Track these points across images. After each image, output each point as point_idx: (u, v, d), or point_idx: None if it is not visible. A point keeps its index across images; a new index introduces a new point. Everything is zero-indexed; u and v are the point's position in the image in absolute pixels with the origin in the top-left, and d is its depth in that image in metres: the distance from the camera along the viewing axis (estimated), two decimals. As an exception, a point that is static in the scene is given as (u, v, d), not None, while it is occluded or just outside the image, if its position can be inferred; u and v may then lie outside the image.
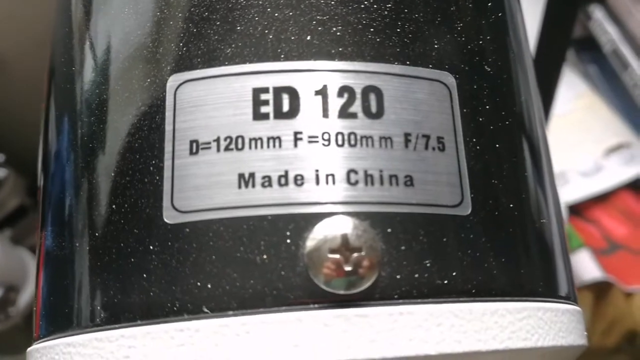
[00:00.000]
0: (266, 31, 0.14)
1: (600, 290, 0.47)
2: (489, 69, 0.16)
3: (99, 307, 0.14)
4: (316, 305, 0.13)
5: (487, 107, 0.15)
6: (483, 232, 0.14)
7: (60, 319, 0.14)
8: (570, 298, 0.16)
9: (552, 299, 0.15)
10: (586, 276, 0.48)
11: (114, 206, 0.14)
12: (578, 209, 0.52)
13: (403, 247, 0.13)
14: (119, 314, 0.13)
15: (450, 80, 0.15)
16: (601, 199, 0.53)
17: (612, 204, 0.53)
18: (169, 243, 0.13)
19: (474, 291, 0.14)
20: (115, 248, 0.14)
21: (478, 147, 0.14)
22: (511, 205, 0.15)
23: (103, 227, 0.14)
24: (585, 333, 0.16)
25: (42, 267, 0.16)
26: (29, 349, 0.16)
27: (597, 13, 0.58)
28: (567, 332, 0.15)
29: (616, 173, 0.54)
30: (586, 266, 0.49)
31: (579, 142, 0.56)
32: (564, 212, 0.48)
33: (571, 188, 0.53)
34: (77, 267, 0.14)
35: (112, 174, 0.14)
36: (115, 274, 0.14)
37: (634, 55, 0.55)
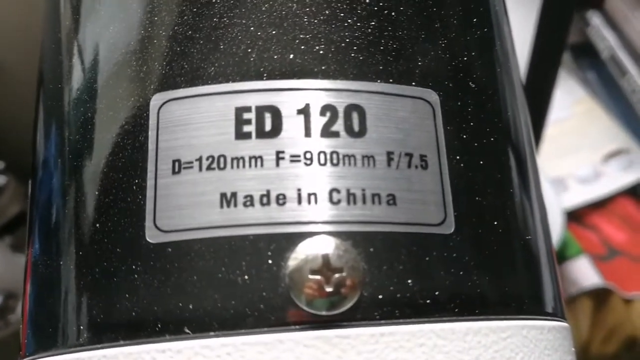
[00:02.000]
0: (249, 50, 0.14)
1: (599, 297, 0.47)
2: (474, 85, 0.15)
3: (82, 327, 0.14)
4: (297, 327, 0.13)
5: (472, 123, 0.15)
6: (466, 250, 0.14)
7: (45, 337, 0.14)
8: (557, 314, 0.16)
9: (537, 316, 0.15)
10: (585, 283, 0.48)
11: (97, 225, 0.14)
12: (577, 215, 0.52)
13: (385, 267, 0.13)
14: (102, 333, 0.13)
15: (434, 97, 0.15)
16: (600, 205, 0.53)
17: (611, 210, 0.53)
18: (152, 262, 0.13)
19: (456, 310, 0.14)
20: (99, 267, 0.14)
21: (462, 165, 0.14)
22: (495, 223, 0.15)
23: (87, 246, 0.14)
24: (573, 349, 0.16)
25: (29, 282, 0.16)
26: None
27: (595, 19, 0.58)
28: (553, 349, 0.15)
29: (615, 179, 0.54)
30: (585, 273, 0.49)
31: (577, 148, 0.56)
32: (562, 219, 0.48)
33: (570, 194, 0.53)
34: (62, 285, 0.14)
35: (96, 192, 0.14)
36: (98, 293, 0.14)
37: (632, 62, 0.55)
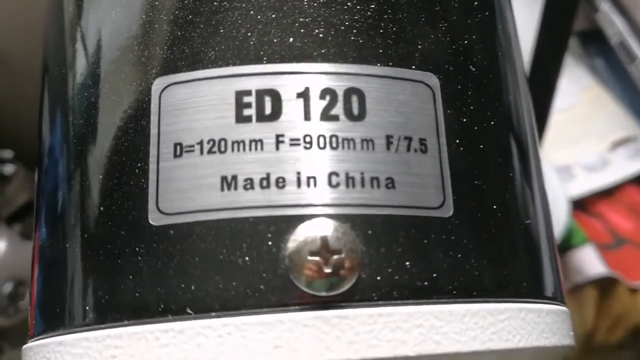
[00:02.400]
0: (249, 34, 0.14)
1: (605, 286, 0.47)
2: (475, 69, 0.16)
3: (88, 308, 0.14)
4: (297, 307, 0.13)
5: (472, 107, 0.15)
6: (465, 234, 0.14)
7: (53, 318, 0.15)
8: (556, 298, 0.16)
9: (536, 299, 0.15)
10: (591, 272, 0.48)
11: (102, 208, 0.14)
12: (583, 204, 0.52)
13: (383, 249, 0.13)
14: (107, 314, 0.14)
15: (434, 81, 0.15)
16: (607, 193, 0.53)
17: (618, 198, 0.53)
18: (154, 245, 0.13)
19: (454, 292, 0.14)
20: (103, 249, 0.14)
21: (461, 148, 0.15)
22: (495, 207, 0.15)
23: (91, 229, 0.14)
24: (572, 333, 0.16)
25: (36, 265, 0.16)
26: (24, 346, 0.16)
27: (604, 5, 0.57)
28: (551, 332, 0.15)
29: (622, 167, 0.54)
30: (591, 262, 0.49)
31: (584, 136, 0.56)
32: (567, 207, 0.48)
33: (577, 183, 0.53)
34: (68, 268, 0.15)
35: (100, 176, 0.15)
36: (104, 274, 0.14)
37: (641, 48, 0.54)
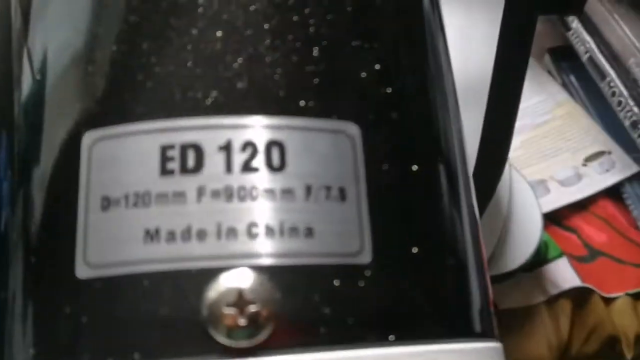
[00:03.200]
0: (174, 88, 0.15)
1: (579, 297, 0.48)
2: (397, 115, 0.16)
3: (17, 358, 0.14)
4: (215, 357, 0.13)
5: (394, 153, 0.16)
6: (383, 279, 0.14)
7: None
8: (486, 334, 0.16)
9: (463, 337, 0.16)
10: (565, 285, 0.48)
11: (33, 259, 0.15)
12: (558, 218, 0.53)
13: (301, 298, 0.14)
14: None
15: (354, 130, 0.15)
16: (581, 207, 0.54)
17: (592, 211, 0.53)
18: (81, 297, 0.14)
19: (373, 337, 0.14)
20: (34, 299, 0.15)
21: (381, 195, 0.15)
22: (415, 250, 0.15)
23: (24, 281, 0.15)
24: None
25: None
26: None
27: (575, 23, 0.58)
28: None
29: (596, 181, 0.54)
30: (565, 274, 0.50)
31: (559, 151, 0.56)
32: (541, 223, 0.48)
33: (551, 197, 0.53)
34: (4, 317, 0.15)
35: (35, 230, 0.15)
36: (33, 325, 0.14)
37: (612, 65, 0.55)
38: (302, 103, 0.15)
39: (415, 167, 0.16)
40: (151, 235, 0.14)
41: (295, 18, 0.16)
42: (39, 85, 0.16)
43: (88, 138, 0.15)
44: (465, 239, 0.17)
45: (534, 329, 0.47)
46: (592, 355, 0.47)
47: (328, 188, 0.15)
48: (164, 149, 0.14)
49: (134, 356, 0.13)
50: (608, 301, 0.47)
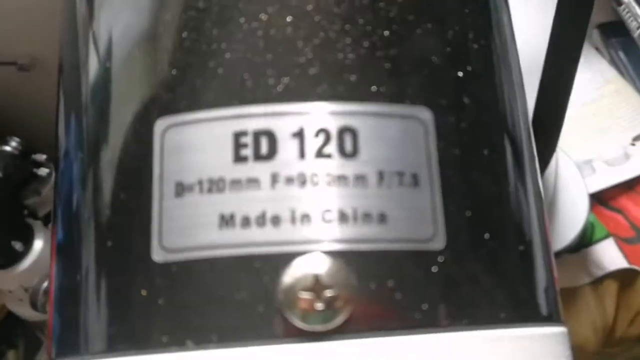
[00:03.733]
0: (246, 75, 0.15)
1: (625, 279, 0.47)
2: (469, 100, 0.16)
3: (97, 338, 0.15)
4: (290, 340, 0.14)
5: (466, 137, 0.16)
6: (456, 264, 0.15)
7: (67, 344, 0.16)
8: (551, 319, 0.16)
9: (531, 323, 0.16)
10: (611, 266, 0.48)
11: (109, 243, 0.15)
12: (604, 198, 0.52)
13: (375, 283, 0.14)
14: (114, 344, 0.14)
15: (426, 115, 0.15)
16: (628, 187, 0.53)
17: (639, 191, 0.53)
18: (157, 280, 0.14)
19: (446, 322, 0.14)
20: (110, 283, 0.15)
21: (454, 180, 0.15)
22: (487, 236, 0.15)
23: (100, 262, 0.15)
24: (568, 352, 0.17)
25: (52, 295, 0.17)
26: None
27: (627, -3, 0.57)
28: (545, 355, 0.15)
29: (644, 161, 0.53)
30: (611, 256, 0.49)
31: (606, 130, 0.55)
32: (588, 203, 0.48)
33: (598, 177, 0.53)
34: (80, 298, 0.16)
35: (108, 213, 0.15)
36: (111, 307, 0.15)
37: (663, 41, 0.54)
38: (373, 88, 0.15)
39: (486, 152, 0.16)
40: (226, 221, 0.14)
41: (365, 1, 0.15)
42: (106, 71, 0.17)
43: (159, 125, 0.15)
44: (533, 222, 0.17)
45: (578, 311, 0.47)
46: (638, 338, 0.47)
47: (401, 174, 0.15)
48: (237, 136, 0.14)
49: (211, 338, 0.14)
50: (654, 284, 0.46)
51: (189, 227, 0.14)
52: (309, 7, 0.15)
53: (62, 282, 0.16)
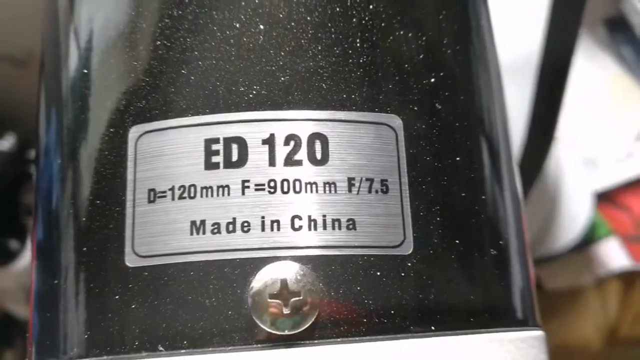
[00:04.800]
0: (218, 83, 0.15)
1: (629, 278, 0.47)
2: (441, 107, 0.16)
3: (73, 342, 0.15)
4: (259, 346, 0.14)
5: (436, 145, 0.16)
6: (424, 270, 0.15)
7: (44, 348, 0.16)
8: (527, 323, 0.16)
9: (504, 327, 0.16)
10: (614, 265, 0.48)
11: (84, 248, 0.15)
12: (608, 195, 0.52)
13: (343, 288, 0.14)
14: (88, 349, 0.15)
15: (397, 122, 0.15)
16: (633, 184, 0.53)
17: (644, 189, 0.52)
18: (130, 285, 0.15)
19: (414, 328, 0.14)
20: (85, 287, 0.15)
21: (423, 187, 0.15)
22: (457, 241, 0.15)
23: (75, 267, 0.16)
24: (543, 356, 0.17)
25: (32, 296, 0.17)
26: None
27: (630, -7, 0.56)
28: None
29: (649, 158, 0.53)
30: (615, 255, 0.49)
31: (610, 127, 0.55)
32: (591, 201, 0.48)
33: (602, 174, 0.52)
34: (57, 301, 0.16)
35: (84, 217, 0.16)
36: (85, 311, 0.15)
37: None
38: (345, 96, 0.15)
39: (458, 158, 0.16)
40: (197, 227, 0.14)
41: (337, 9, 0.16)
42: (83, 75, 0.17)
43: (133, 132, 0.15)
44: (509, 228, 0.17)
45: (581, 311, 0.46)
46: (641, 338, 0.47)
47: (370, 180, 0.15)
48: (209, 143, 0.15)
49: (182, 343, 0.14)
50: (660, 283, 0.46)
51: (161, 233, 0.14)
52: (281, 15, 0.15)
53: (41, 283, 0.16)
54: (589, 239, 0.48)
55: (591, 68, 0.57)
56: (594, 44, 0.58)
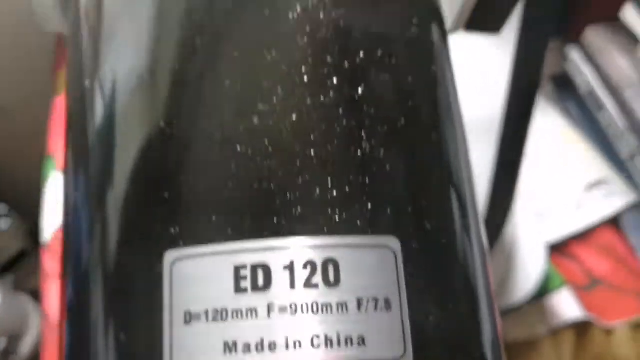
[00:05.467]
0: (243, 215, 0.17)
1: (582, 328, 0.49)
2: (429, 226, 0.19)
3: None
4: None
5: (428, 262, 0.18)
6: None
7: None
8: None
9: None
10: (568, 316, 0.50)
11: None
12: (560, 247, 0.54)
13: None
14: None
15: (396, 244, 0.18)
16: (582, 235, 0.55)
17: (593, 240, 0.55)
18: None
19: None
20: None
21: (420, 302, 0.18)
22: (451, 345, 0.18)
23: None
24: None
25: None
26: None
27: (574, 54, 0.59)
28: None
29: (597, 209, 0.55)
30: (567, 305, 0.51)
31: (559, 179, 0.57)
32: (545, 254, 0.50)
33: (553, 226, 0.54)
34: None
35: (120, 336, 0.18)
36: None
37: (609, 97, 0.57)
38: (352, 222, 0.18)
39: (448, 273, 0.18)
40: (229, 347, 0.16)
41: (341, 147, 0.18)
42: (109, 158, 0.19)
43: (169, 257, 0.17)
44: (489, 329, 0.19)
45: (537, 363, 0.48)
46: (595, 386, 0.49)
47: (376, 300, 0.17)
48: (237, 269, 0.17)
49: None
50: (609, 332, 0.48)
51: (196, 353, 0.17)
52: (293, 152, 0.18)
53: None
54: (544, 290, 0.51)
55: (542, 123, 0.60)
56: (543, 99, 0.61)
